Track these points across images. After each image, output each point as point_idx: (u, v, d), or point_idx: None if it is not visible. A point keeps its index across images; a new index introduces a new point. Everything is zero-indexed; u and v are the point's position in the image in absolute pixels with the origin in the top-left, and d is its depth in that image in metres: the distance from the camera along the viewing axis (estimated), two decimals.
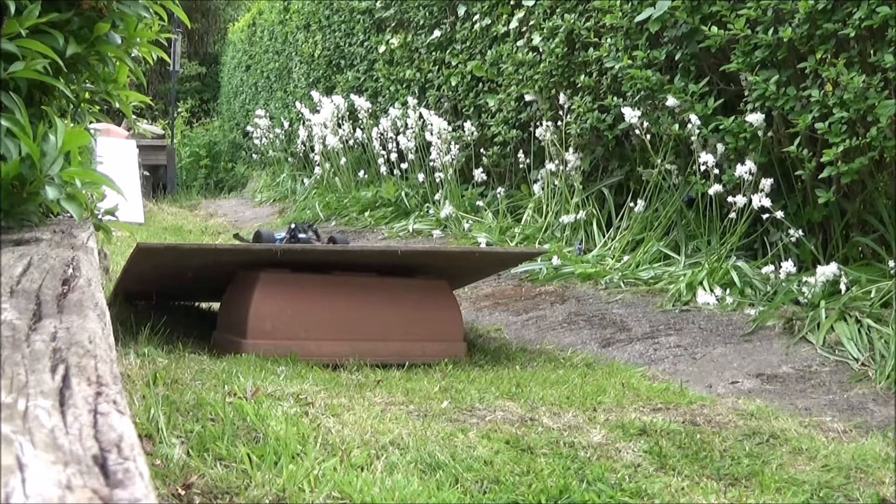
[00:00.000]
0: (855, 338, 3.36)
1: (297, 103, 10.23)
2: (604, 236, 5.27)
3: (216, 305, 3.85)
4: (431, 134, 6.80)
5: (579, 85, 5.42)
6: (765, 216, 4.14)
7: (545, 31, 5.72)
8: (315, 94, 9.34)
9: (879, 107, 3.66)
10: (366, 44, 8.96)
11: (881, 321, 3.40)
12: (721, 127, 4.38)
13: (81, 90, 2.68)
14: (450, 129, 6.80)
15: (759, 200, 4.09)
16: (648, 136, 4.81)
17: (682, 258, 4.62)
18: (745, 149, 4.33)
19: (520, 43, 6.13)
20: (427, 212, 6.97)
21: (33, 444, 0.76)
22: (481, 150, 6.70)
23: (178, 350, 3.03)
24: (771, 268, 4.02)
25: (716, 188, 4.37)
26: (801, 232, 4.11)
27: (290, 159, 11.03)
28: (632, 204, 5.11)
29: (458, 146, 6.81)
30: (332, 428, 2.20)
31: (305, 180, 9.74)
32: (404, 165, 7.53)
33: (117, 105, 2.80)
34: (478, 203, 6.50)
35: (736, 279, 4.12)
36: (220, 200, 12.17)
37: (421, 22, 7.67)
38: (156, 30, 2.74)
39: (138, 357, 2.73)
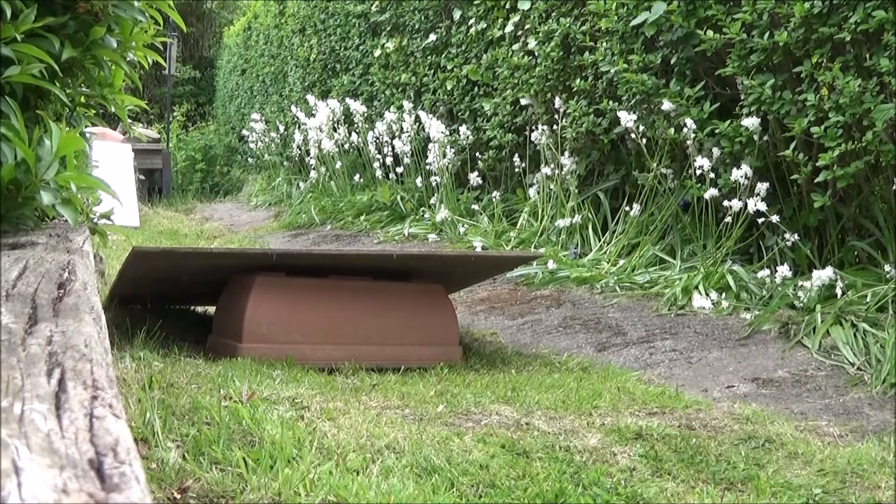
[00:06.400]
0: (851, 342, 3.36)
1: (293, 107, 10.23)
2: (599, 240, 5.27)
3: (212, 309, 3.84)
4: (429, 136, 6.80)
5: (575, 89, 5.43)
6: (760, 220, 4.14)
7: (541, 35, 5.72)
8: (311, 98, 9.35)
9: (875, 111, 3.67)
10: (361, 48, 8.96)
11: (877, 325, 3.41)
12: (717, 131, 4.38)
13: (77, 94, 2.68)
14: (447, 132, 6.80)
15: (755, 204, 4.09)
16: (644, 141, 4.81)
17: (677, 262, 4.62)
18: (740, 153, 4.34)
19: (515, 47, 6.14)
20: (423, 216, 6.97)
21: (29, 447, 0.76)
22: (477, 154, 6.70)
23: (173, 354, 3.02)
24: (767, 272, 4.03)
25: (711, 192, 4.37)
26: (796, 236, 4.11)
27: (285, 163, 11.03)
28: (627, 208, 5.11)
29: (453, 150, 6.81)
30: (328, 432, 2.20)
31: (301, 184, 9.74)
32: (400, 169, 7.53)
33: (113, 109, 2.80)
34: (473, 207, 6.50)
35: (731, 283, 4.12)
36: (215, 204, 12.16)
37: (416, 26, 7.67)
38: (151, 34, 2.73)
39: (134, 361, 2.72)
